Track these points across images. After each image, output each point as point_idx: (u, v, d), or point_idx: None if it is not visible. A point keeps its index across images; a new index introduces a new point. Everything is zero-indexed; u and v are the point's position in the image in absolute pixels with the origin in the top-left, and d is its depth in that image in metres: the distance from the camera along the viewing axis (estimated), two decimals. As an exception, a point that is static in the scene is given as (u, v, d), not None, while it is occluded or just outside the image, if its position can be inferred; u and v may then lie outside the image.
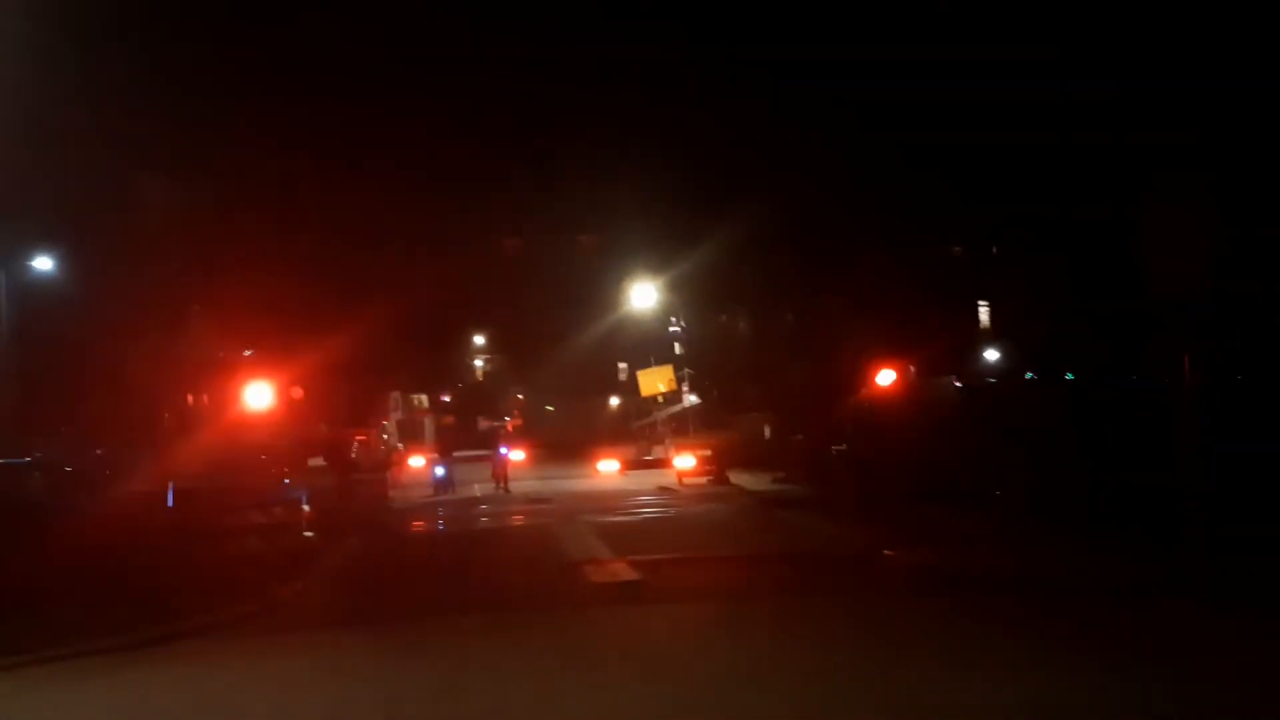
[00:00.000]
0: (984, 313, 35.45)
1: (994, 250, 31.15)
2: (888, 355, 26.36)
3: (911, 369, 29.94)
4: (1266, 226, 13.92)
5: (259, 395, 22.29)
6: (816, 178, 28.54)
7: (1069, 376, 23.49)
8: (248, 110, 26.23)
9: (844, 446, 25.01)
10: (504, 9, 28.08)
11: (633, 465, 38.31)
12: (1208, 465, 11.43)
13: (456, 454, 37.50)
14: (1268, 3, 14.99)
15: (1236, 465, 11.67)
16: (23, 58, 19.00)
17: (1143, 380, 16.03)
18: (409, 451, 41.49)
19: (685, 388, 39.77)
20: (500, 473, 32.38)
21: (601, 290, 41.71)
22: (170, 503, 17.05)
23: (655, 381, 39.91)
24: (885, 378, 25.62)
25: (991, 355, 33.96)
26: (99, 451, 23.85)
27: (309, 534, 18.71)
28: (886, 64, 23.57)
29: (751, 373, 38.00)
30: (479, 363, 65.77)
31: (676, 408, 41.25)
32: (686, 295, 38.33)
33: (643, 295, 38.58)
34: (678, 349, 41.04)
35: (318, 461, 25.06)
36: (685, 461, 31.79)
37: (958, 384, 30.40)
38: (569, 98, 31.61)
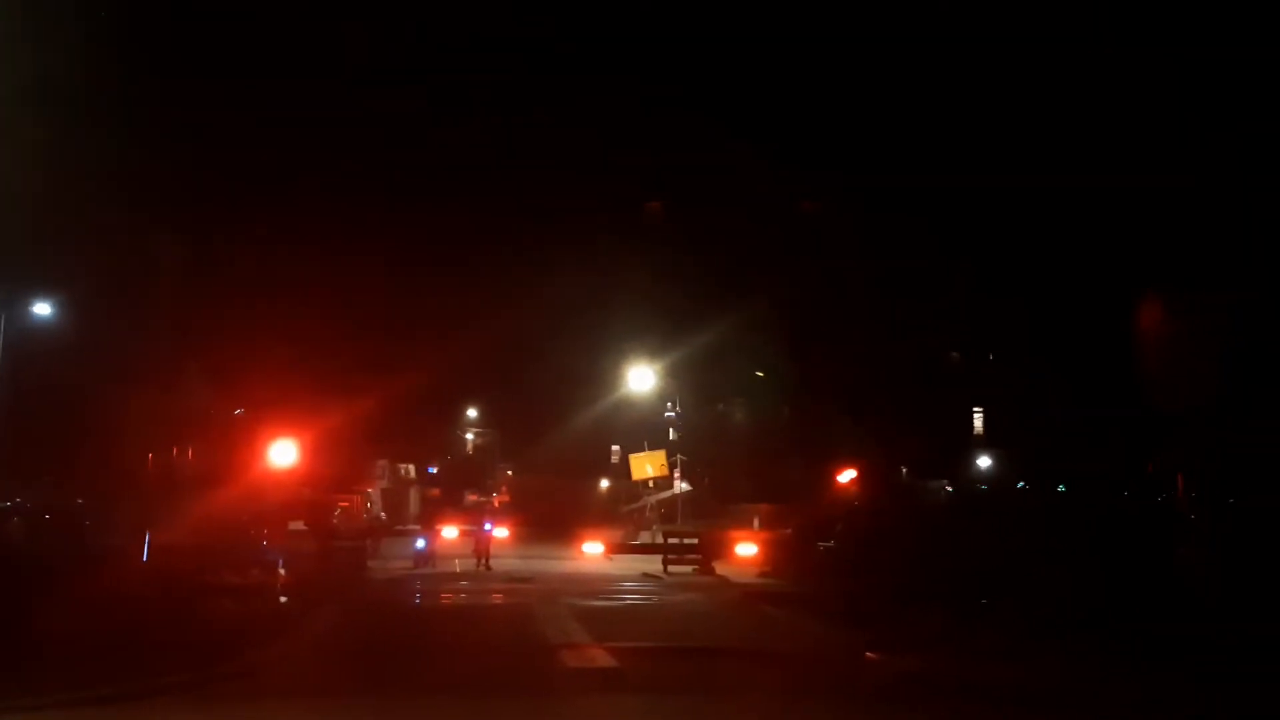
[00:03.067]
0: (978, 419, 35.47)
1: (990, 358, 31.31)
2: (881, 456, 26.32)
3: (904, 470, 29.89)
4: (1271, 342, 14.00)
5: (244, 454, 22.11)
6: (819, 278, 28.83)
7: (1061, 487, 23.40)
8: (252, 176, 26.56)
9: (832, 544, 24.76)
10: (509, 92, 28.60)
11: (618, 549, 37.84)
12: (1200, 583, 11.28)
13: (440, 527, 37.02)
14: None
15: (1230, 583, 11.51)
16: (30, 108, 19.27)
17: (1136, 494, 15.95)
18: (438, 520, 39.72)
19: (677, 474, 39.55)
20: (482, 549, 31.95)
21: (599, 371, 41.79)
22: (145, 556, 16.81)
23: (646, 466, 39.70)
24: (877, 478, 25.55)
25: (984, 462, 33.88)
26: (79, 500, 23.58)
27: (283, 599, 18.41)
28: (892, 170, 24.00)
29: (744, 464, 37.84)
30: (470, 436, 65.53)
31: (666, 494, 40.95)
32: (684, 382, 38.36)
33: (640, 379, 38.56)
34: (672, 435, 40.92)
35: (298, 525, 24.74)
36: (672, 549, 31.42)
37: (949, 488, 30.32)
38: (572, 183, 32.05)
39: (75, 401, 25.84)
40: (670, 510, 40.04)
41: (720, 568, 29.46)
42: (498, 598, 22.89)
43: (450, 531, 37.93)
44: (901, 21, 22.50)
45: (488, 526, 33.08)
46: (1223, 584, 11.33)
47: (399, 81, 27.65)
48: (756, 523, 34.20)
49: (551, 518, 45.55)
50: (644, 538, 38.91)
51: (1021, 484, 27.76)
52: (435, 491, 55.04)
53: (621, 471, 46.07)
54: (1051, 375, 22.52)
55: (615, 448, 50.40)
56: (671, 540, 32.68)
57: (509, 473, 63.41)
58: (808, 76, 25.60)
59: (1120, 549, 14.82)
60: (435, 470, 59.22)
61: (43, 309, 27.03)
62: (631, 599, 22.84)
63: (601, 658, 13.26)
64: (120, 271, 26.29)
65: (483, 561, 31.39)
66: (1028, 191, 19.79)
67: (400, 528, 40.84)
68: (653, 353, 37.84)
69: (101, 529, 19.99)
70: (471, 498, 54.60)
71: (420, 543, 32.37)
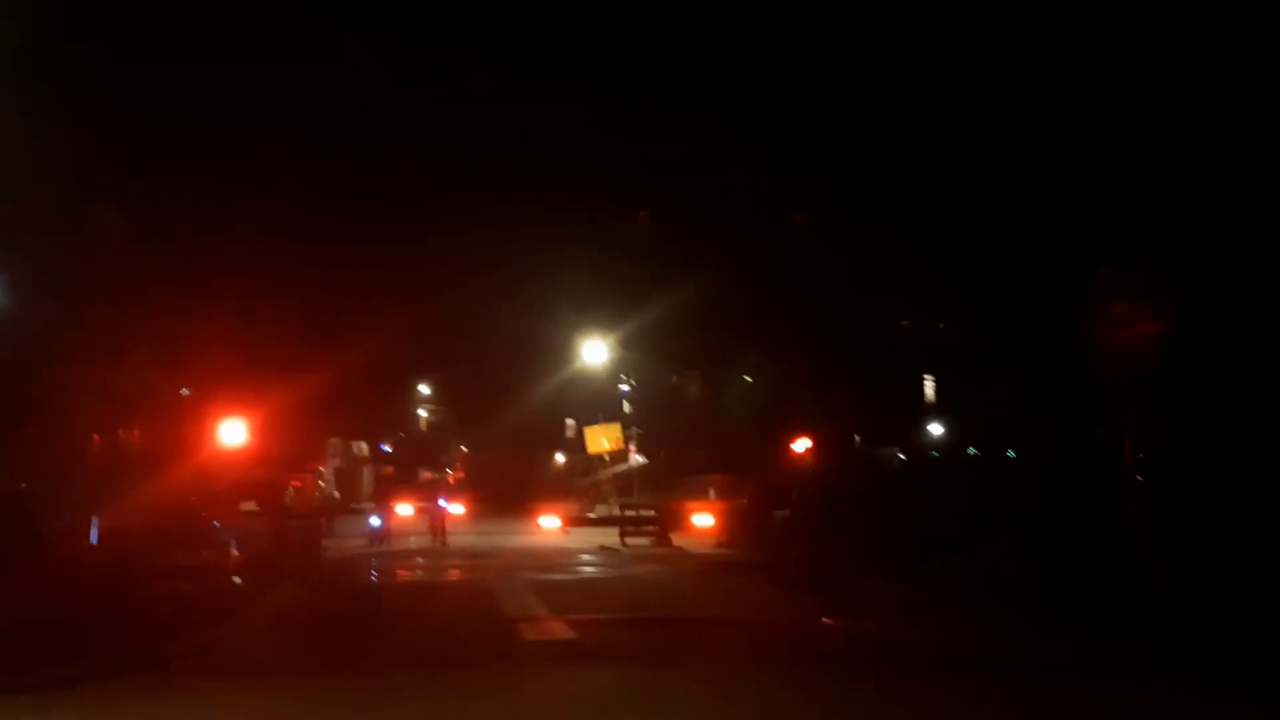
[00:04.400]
0: (929, 386, 35.82)
1: (941, 325, 31.58)
2: (834, 424, 26.53)
3: (857, 438, 30.18)
4: (1214, 306, 14.28)
5: (193, 434, 21.81)
6: (770, 247, 28.88)
7: (1010, 453, 23.75)
8: (200, 148, 25.94)
9: (787, 512, 24.97)
10: (464, 67, 28.19)
11: (575, 523, 37.92)
12: (1147, 546, 11.51)
13: (395, 505, 36.85)
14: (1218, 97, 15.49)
15: (1177, 547, 11.74)
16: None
17: (1084, 459, 16.22)
18: (392, 498, 39.34)
19: (632, 447, 39.62)
20: (438, 526, 31.87)
21: (552, 344, 41.60)
22: (94, 539, 16.53)
23: (602, 439, 39.73)
24: (830, 446, 25.78)
25: (936, 428, 34.26)
26: (24, 484, 23.09)
27: (237, 579, 18.23)
28: (843, 140, 23.99)
29: (699, 435, 37.99)
30: (423, 412, 65.03)
31: (622, 467, 41.03)
32: (638, 355, 38.35)
33: (594, 352, 38.48)
34: (627, 408, 40.96)
35: (250, 505, 24.49)
36: (628, 521, 31.53)
37: (901, 455, 30.68)
38: (526, 154, 31.69)
39: (17, 382, 25.23)
40: (626, 483, 40.17)
41: (677, 539, 29.62)
42: (455, 574, 22.87)
43: (405, 509, 37.78)
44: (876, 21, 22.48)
45: (443, 503, 33.00)
46: (1161, 549, 11.57)
47: (351, 56, 27.16)
48: (712, 493, 34.41)
49: (507, 493, 45.53)
50: (601, 511, 39.00)
51: (972, 450, 28.12)
52: (389, 469, 54.73)
53: (577, 445, 46.06)
54: (1001, 343, 22.77)
55: (570, 421, 50.32)
56: (628, 512, 32.79)
57: (463, 449, 63.17)
58: (778, 60, 25.49)
59: (1066, 513, 15.09)
60: (389, 448, 58.79)
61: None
62: (589, 572, 22.92)
63: (560, 630, 13.30)
64: (62, 248, 25.64)
65: (439, 538, 31.32)
66: (978, 165, 19.92)
67: (354, 506, 40.58)
68: (607, 325, 37.80)
69: (48, 512, 19.62)
70: (426, 475, 54.36)
71: (375, 521, 32.20)
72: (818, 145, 24.78)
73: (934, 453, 31.13)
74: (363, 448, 54.11)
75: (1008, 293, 20.60)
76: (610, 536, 31.57)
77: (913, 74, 22.13)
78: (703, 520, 30.77)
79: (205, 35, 24.66)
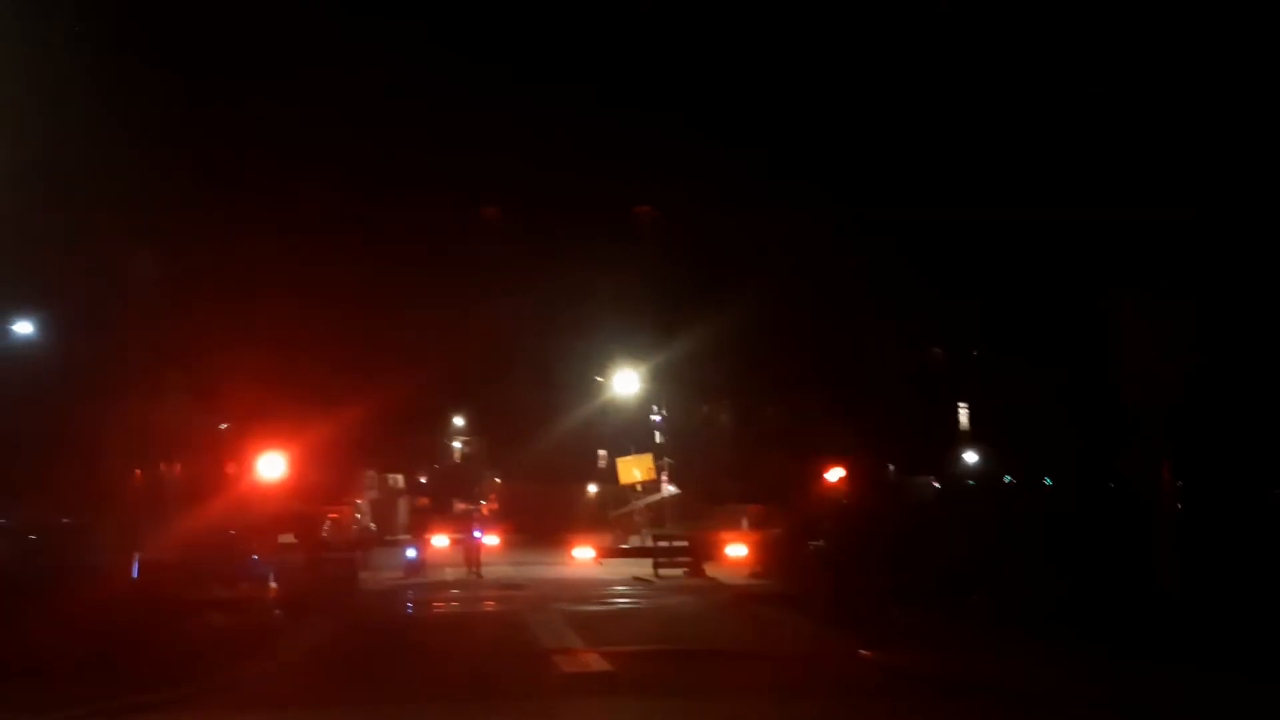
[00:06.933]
0: (963, 414, 35.62)
1: (974, 353, 31.46)
2: (867, 453, 26.42)
3: (891, 468, 30.00)
4: (1243, 335, 14.18)
5: (231, 468, 22.08)
6: (801, 277, 28.92)
7: (1047, 481, 23.57)
8: (234, 184, 26.43)
9: (821, 543, 24.84)
10: (489, 88, 28.55)
11: (608, 554, 37.84)
12: (1182, 576, 11.39)
13: (430, 536, 36.99)
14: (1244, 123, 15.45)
15: (1210, 576, 11.62)
16: (6, 120, 19.20)
17: (1120, 488, 16.08)
18: (428, 529, 39.82)
19: (664, 477, 39.58)
20: (473, 557, 31.93)
21: (584, 376, 41.75)
22: (135, 574, 16.76)
23: (634, 470, 39.73)
24: (864, 475, 25.67)
25: (970, 457, 34.03)
26: (66, 520, 23.44)
27: (276, 612, 18.40)
28: (873, 169, 24.09)
29: (731, 466, 37.91)
30: (457, 444, 65.32)
31: (654, 497, 40.96)
32: (669, 385, 38.40)
33: (625, 383, 38.55)
34: (658, 438, 40.95)
35: (288, 538, 24.71)
36: (662, 552, 31.43)
37: (936, 484, 30.46)
38: (559, 182, 31.95)
39: (59, 420, 25.69)
40: (659, 513, 40.08)
41: (710, 570, 29.48)
42: (490, 605, 22.90)
43: (440, 540, 37.88)
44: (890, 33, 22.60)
45: (477, 534, 33.04)
46: (1197, 574, 11.45)
47: (381, 85, 27.62)
48: (745, 524, 34.25)
49: (541, 524, 45.52)
50: (633, 541, 38.89)
51: (1008, 479, 27.91)
52: (424, 501, 54.94)
53: (609, 476, 46.08)
54: (1034, 371, 22.65)
55: (602, 452, 50.37)
56: (661, 543, 32.68)
57: (497, 480, 63.28)
58: (796, 86, 25.69)
59: (1100, 542, 14.95)
60: (424, 480, 59.10)
61: (24, 328, 26.92)
62: (623, 603, 22.87)
63: (595, 662, 13.29)
64: (101, 287, 26.17)
65: (473, 569, 31.37)
66: (1002, 192, 19.94)
67: (390, 538, 40.77)
68: (637, 356, 37.90)
69: (88, 547, 19.91)
70: (460, 506, 54.47)
71: (411, 552, 32.32)
72: (848, 172, 24.91)
73: (969, 481, 30.90)
74: (398, 479, 54.44)
75: (1039, 319, 20.55)
76: (643, 567, 31.50)
77: (941, 97, 22.20)
78: (736, 551, 30.62)
79: (242, 72, 25.20)
